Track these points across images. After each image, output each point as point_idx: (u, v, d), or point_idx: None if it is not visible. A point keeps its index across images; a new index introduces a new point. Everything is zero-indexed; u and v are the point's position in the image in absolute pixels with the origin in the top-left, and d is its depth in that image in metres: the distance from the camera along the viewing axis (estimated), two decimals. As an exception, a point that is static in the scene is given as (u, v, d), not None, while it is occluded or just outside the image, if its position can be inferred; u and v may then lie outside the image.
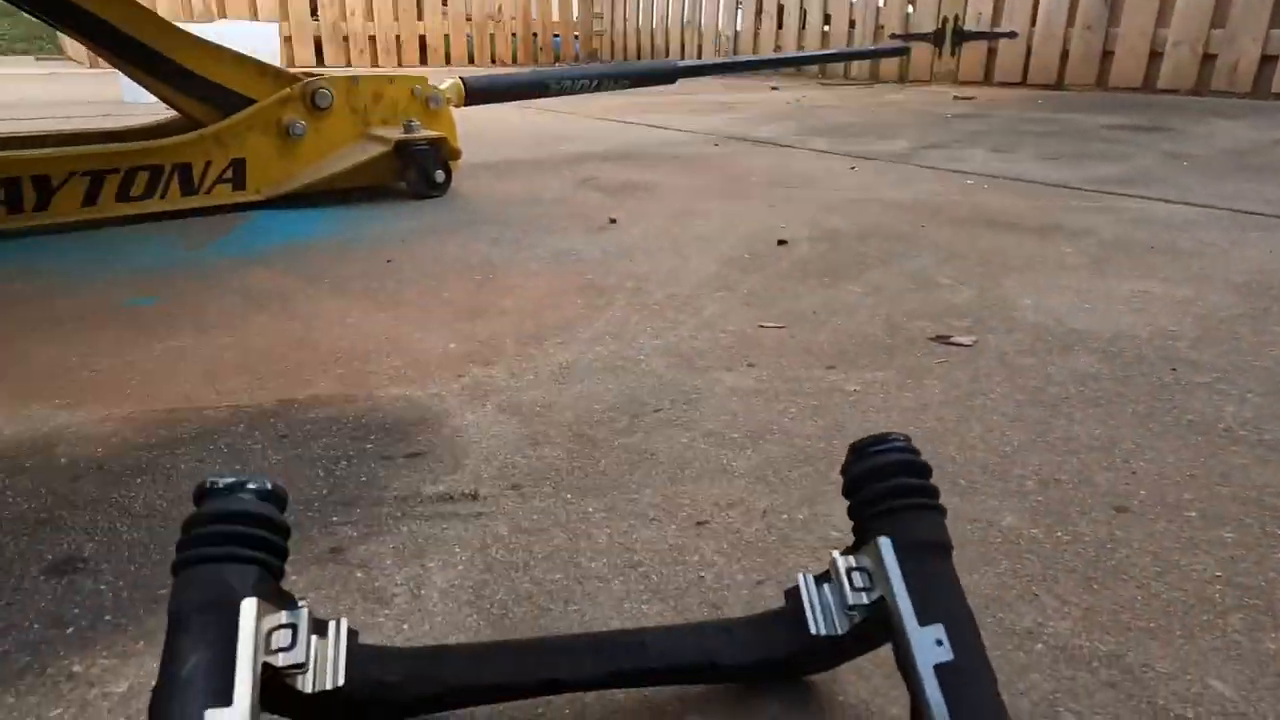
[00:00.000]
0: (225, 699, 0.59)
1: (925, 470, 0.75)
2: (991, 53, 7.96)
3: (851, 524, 0.78)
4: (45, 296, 2.19)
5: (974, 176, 3.70)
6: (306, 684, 0.68)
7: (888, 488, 0.73)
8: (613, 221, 2.95)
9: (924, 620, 0.67)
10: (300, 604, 0.68)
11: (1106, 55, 7.25)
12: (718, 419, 1.48)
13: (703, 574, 1.07)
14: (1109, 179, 3.60)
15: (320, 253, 2.60)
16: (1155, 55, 6.95)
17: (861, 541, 0.74)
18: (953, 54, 8.18)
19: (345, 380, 1.67)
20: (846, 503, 0.80)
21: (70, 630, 0.98)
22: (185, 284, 2.29)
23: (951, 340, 1.83)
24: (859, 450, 0.77)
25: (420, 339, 1.88)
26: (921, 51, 8.30)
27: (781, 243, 2.64)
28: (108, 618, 1.00)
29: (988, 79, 8.04)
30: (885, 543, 0.71)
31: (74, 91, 7.76)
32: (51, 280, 2.33)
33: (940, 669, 0.64)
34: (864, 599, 0.72)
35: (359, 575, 1.07)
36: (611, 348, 1.82)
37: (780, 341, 1.84)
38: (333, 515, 1.21)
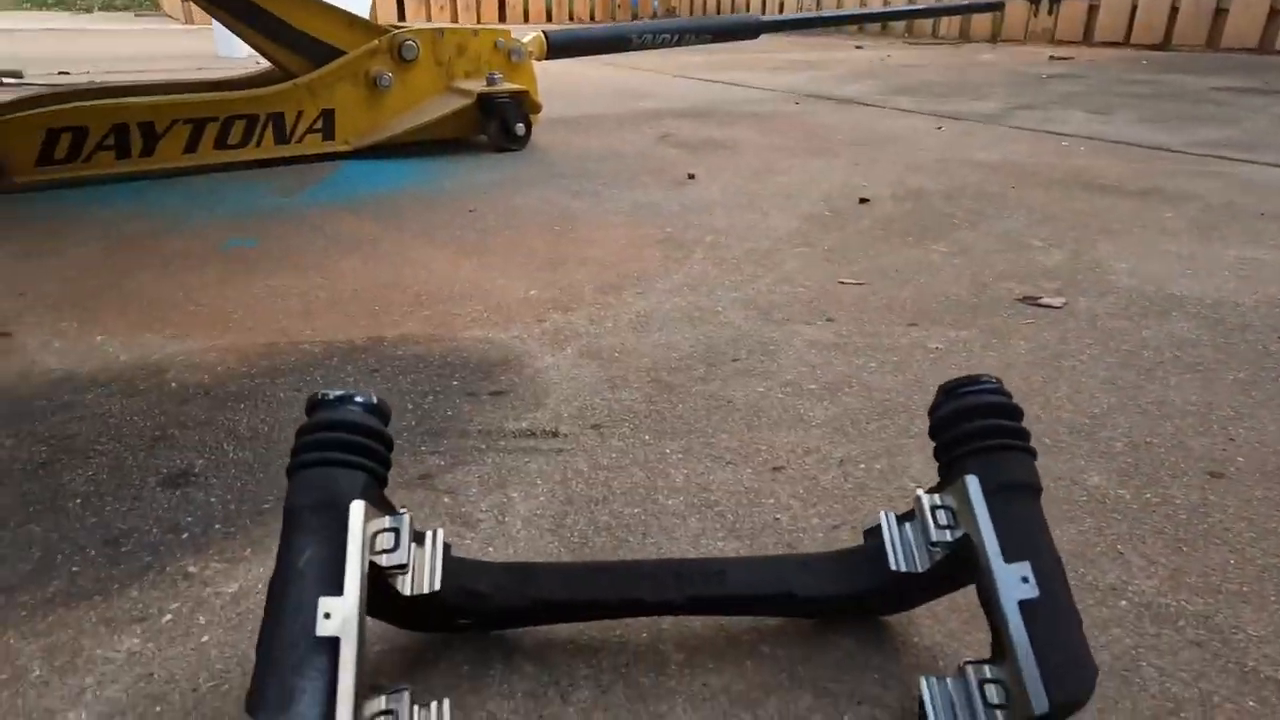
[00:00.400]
0: (337, 589, 0.63)
1: (1017, 413, 0.75)
2: (1092, 10, 7.54)
3: (937, 465, 0.77)
4: (154, 237, 2.31)
5: (1070, 138, 3.54)
6: (406, 586, 0.72)
7: (977, 428, 0.73)
8: (691, 177, 2.94)
9: (1009, 558, 0.66)
10: (402, 511, 0.72)
11: (1220, 13, 6.79)
12: (795, 370, 1.48)
13: (778, 516, 1.08)
14: (1217, 143, 3.40)
15: (406, 202, 2.66)
16: (1275, 13, 6.47)
17: (947, 480, 0.74)
18: (1050, 11, 7.78)
19: (431, 321, 1.72)
20: (932, 445, 0.79)
21: (185, 536, 1.06)
22: (280, 228, 2.39)
23: (1040, 301, 1.78)
24: (949, 390, 0.77)
25: (503, 285, 1.92)
26: (1016, 9, 7.91)
27: (863, 201, 2.59)
28: (218, 526, 1.07)
29: (1087, 38, 7.63)
30: (972, 481, 0.71)
31: (170, 46, 8.06)
32: (159, 222, 2.45)
33: (1025, 605, 0.64)
34: (947, 536, 0.72)
35: (446, 500, 1.12)
36: (689, 299, 1.82)
37: (860, 298, 1.82)
38: (421, 445, 1.26)
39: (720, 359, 1.53)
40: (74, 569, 1.00)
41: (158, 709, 0.80)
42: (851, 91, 5.04)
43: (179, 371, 1.51)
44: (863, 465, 1.19)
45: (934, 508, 0.73)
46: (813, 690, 0.81)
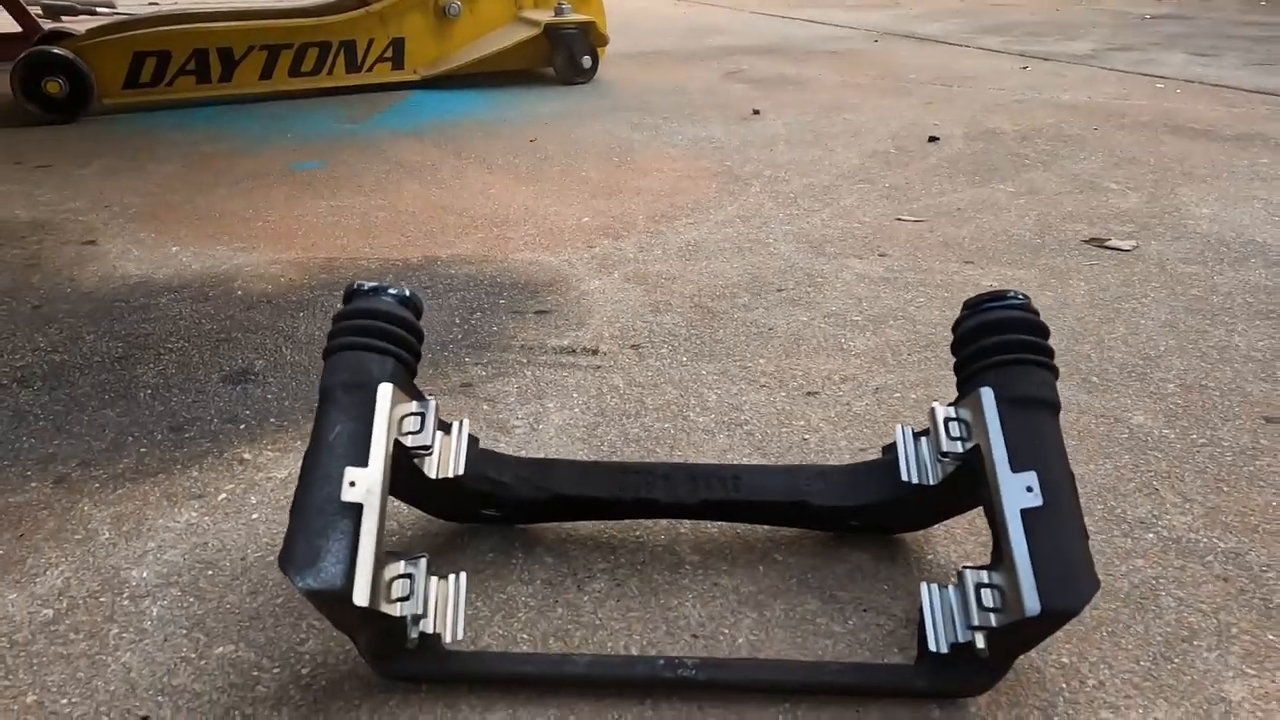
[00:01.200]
0: (362, 461, 0.68)
1: (1041, 329, 0.73)
2: (1210, -55, 6.96)
3: (957, 380, 0.77)
4: (228, 158, 2.40)
5: (1166, 81, 3.33)
6: (431, 468, 0.76)
7: (997, 342, 0.72)
8: (756, 113, 2.88)
9: (1016, 467, 0.66)
10: (429, 398, 0.76)
11: (1356, -52, 6.19)
12: (841, 302, 1.47)
13: (807, 438, 1.09)
14: (1332, 88, 3.15)
15: (468, 130, 2.69)
16: None
17: (964, 394, 0.74)
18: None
19: (484, 243, 1.76)
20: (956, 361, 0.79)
21: (242, 426, 1.13)
22: (346, 152, 2.45)
23: (1108, 244, 1.71)
24: (973, 305, 0.76)
25: (556, 211, 1.94)
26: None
27: (933, 139, 2.50)
28: (272, 420, 1.14)
29: (1201, -24, 7.07)
30: (987, 393, 0.70)
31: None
32: (233, 144, 2.54)
33: (1027, 514, 0.64)
34: (958, 447, 0.72)
35: (485, 407, 1.16)
36: (741, 230, 1.81)
37: (917, 235, 1.78)
38: (465, 356, 1.30)
39: (766, 288, 1.53)
40: (142, 450, 1.08)
41: (210, 573, 0.87)
42: (934, 30, 4.83)
43: (245, 281, 1.58)
44: (898, 394, 1.19)
45: (948, 420, 0.73)
46: (820, 596, 0.83)
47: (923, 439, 0.78)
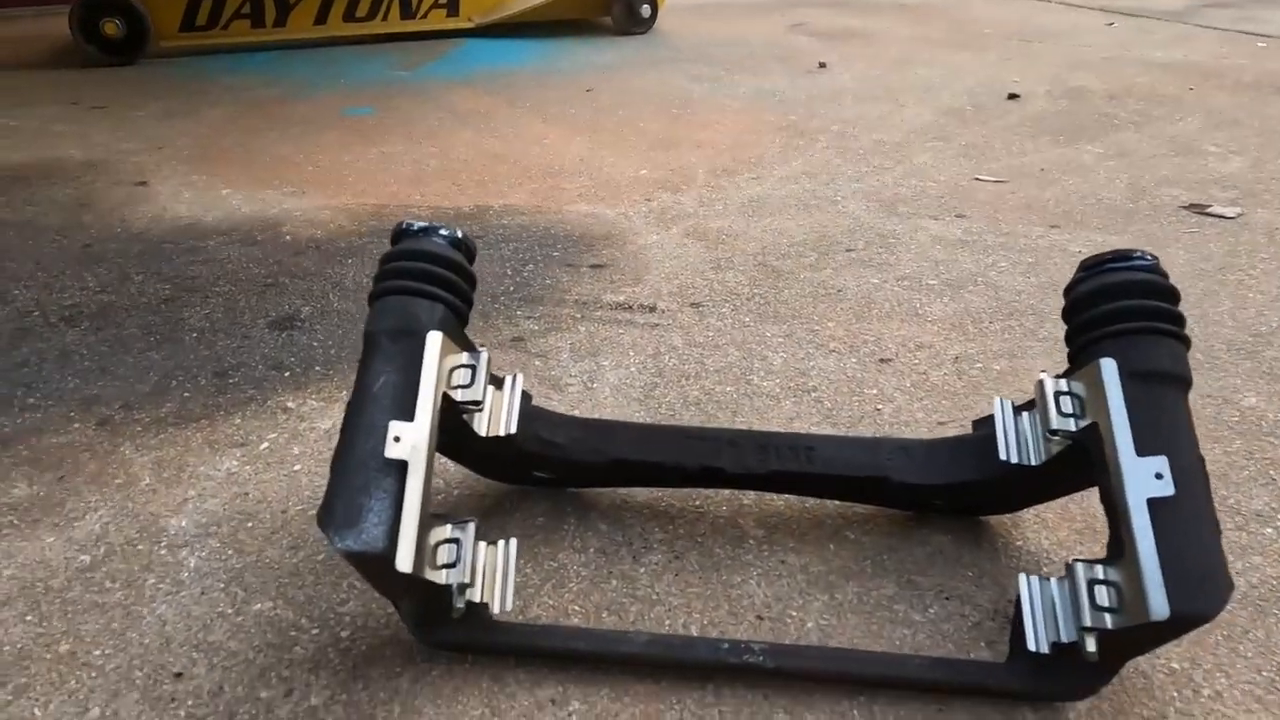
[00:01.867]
0: (408, 415, 0.62)
1: (1172, 295, 0.64)
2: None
3: (1069, 350, 0.68)
4: (280, 103, 2.36)
5: (1271, 39, 3.09)
6: (481, 425, 0.70)
7: (1121, 308, 0.63)
8: (822, 66, 2.75)
9: (1143, 450, 0.58)
10: (481, 349, 0.70)
11: None
12: (915, 264, 1.37)
13: (880, 407, 1.01)
14: None
15: (523, 79, 2.61)
16: None
17: (1078, 365, 0.65)
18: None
19: (538, 194, 1.69)
20: (1065, 329, 0.70)
21: (287, 374, 1.09)
22: (399, 99, 2.39)
23: (1209, 210, 1.57)
24: (1091, 266, 0.67)
25: (613, 163, 1.86)
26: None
27: (1012, 97, 2.35)
28: (317, 368, 1.10)
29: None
30: (1108, 364, 0.62)
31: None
32: (286, 89, 2.50)
33: (1155, 504, 0.56)
34: (1071, 425, 0.63)
35: (538, 363, 1.11)
36: (807, 186, 1.71)
37: (997, 196, 1.66)
38: (517, 310, 1.24)
39: (834, 248, 1.44)
40: (185, 394, 1.04)
41: (249, 524, 0.83)
42: (1012, -16, 4.56)
43: (294, 226, 1.54)
44: (980, 365, 1.10)
45: (1058, 393, 0.65)
46: (897, 580, 0.76)
47: (1024, 414, 0.70)
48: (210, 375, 1.08)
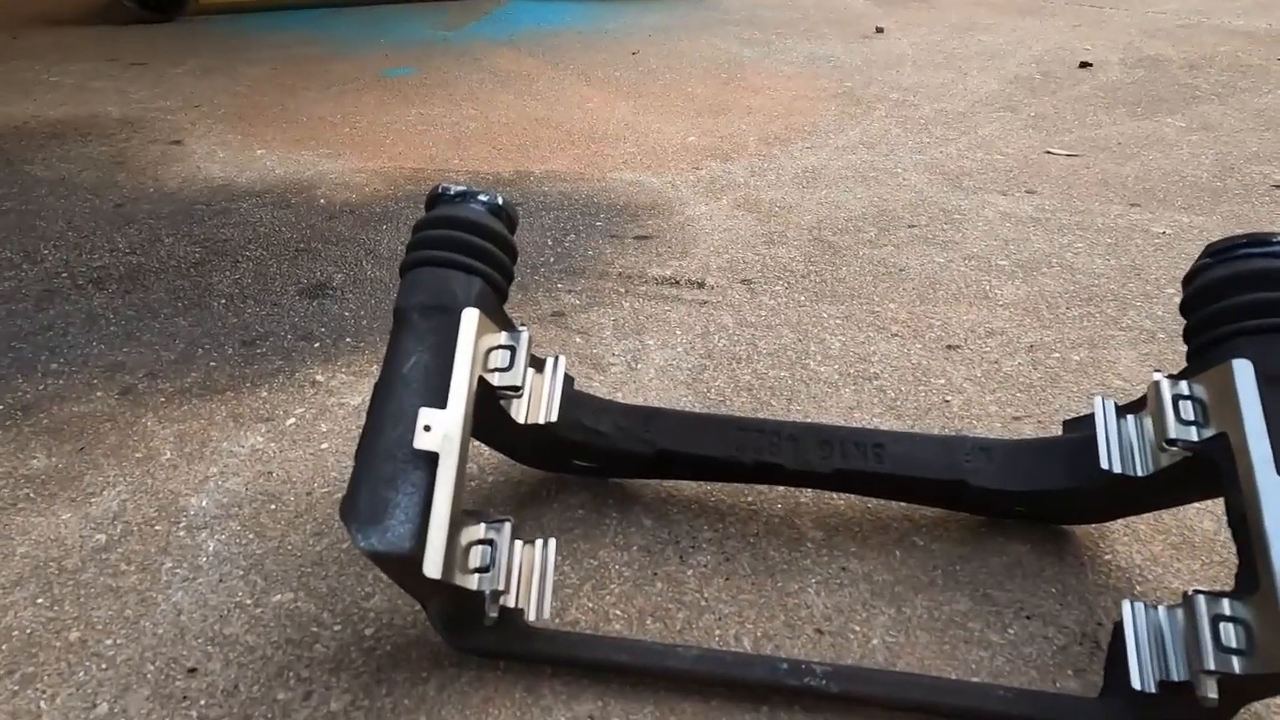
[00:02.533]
0: (440, 401, 0.56)
1: (1318, 287, 0.55)
2: None
3: (1188, 348, 0.60)
4: (319, 62, 2.30)
5: (1361, 7, 2.88)
6: (520, 412, 0.64)
7: (1258, 300, 0.55)
8: (880, 31, 2.62)
9: (1286, 469, 0.50)
10: (521, 328, 0.63)
11: None
12: (984, 243, 1.28)
13: (948, 399, 0.93)
14: None
15: (567, 40, 2.52)
16: None
17: (1201, 365, 0.57)
18: None
19: (580, 160, 1.61)
20: (1184, 323, 0.62)
21: (316, 345, 1.04)
22: (440, 59, 2.32)
23: (1306, 191, 1.45)
24: (1219, 250, 0.58)
25: (659, 129, 1.78)
26: None
27: (1084, 65, 2.21)
28: (348, 339, 1.05)
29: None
30: (1242, 366, 0.53)
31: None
32: (326, 48, 2.45)
33: (1299, 532, 0.48)
34: (1192, 435, 0.55)
35: (578, 340, 1.04)
36: (865, 157, 1.62)
37: (1071, 170, 1.55)
38: (558, 282, 1.18)
39: (895, 223, 1.35)
40: (211, 364, 1.00)
41: (272, 507, 0.78)
42: (1080, -53, 4.34)
43: (328, 189, 1.49)
44: (1057, 354, 1.01)
45: (1178, 397, 0.56)
46: (971, 594, 0.69)
47: (1129, 417, 0.62)
48: (237, 344, 1.04)
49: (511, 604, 0.58)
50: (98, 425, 0.89)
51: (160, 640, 0.65)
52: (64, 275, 1.21)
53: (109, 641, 0.65)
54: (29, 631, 0.66)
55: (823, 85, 2.07)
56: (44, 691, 0.61)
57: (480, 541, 0.57)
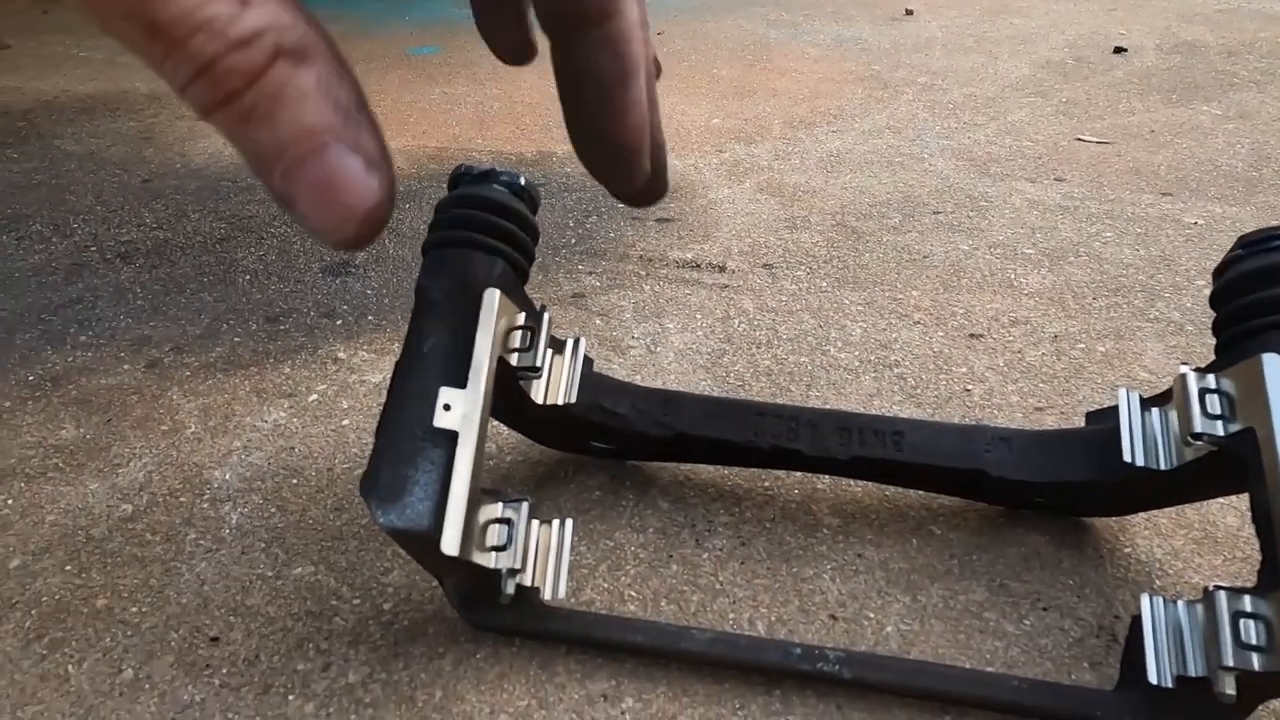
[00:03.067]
0: (460, 380, 0.57)
1: (1354, 282, 0.54)
2: None
3: (1216, 341, 0.59)
4: (343, 39, 2.30)
5: None
6: (539, 392, 0.64)
7: (1291, 294, 0.54)
8: (909, 13, 2.58)
9: (1315, 467, 0.49)
10: (542, 310, 0.63)
11: None
12: (1010, 231, 1.26)
13: (969, 388, 0.92)
14: None
15: (592, 21, 2.51)
16: None
17: (1230, 359, 0.56)
18: None
19: (603, 141, 1.61)
20: (1213, 314, 0.61)
21: (339, 322, 1.05)
22: (465, 38, 2.31)
23: (1345, 182, 1.41)
24: (1252, 242, 0.57)
25: (683, 111, 1.77)
26: None
27: (1118, 50, 2.17)
28: (370, 317, 1.06)
29: None
30: (1272, 361, 0.52)
31: None
32: (349, 25, 2.45)
33: (1325, 530, 0.48)
34: (1218, 429, 0.54)
35: (598, 322, 1.04)
36: (891, 142, 1.60)
37: (1101, 158, 1.53)
38: (579, 264, 1.18)
39: (920, 209, 1.33)
40: (236, 339, 1.01)
41: (294, 481, 0.79)
42: (1118, -72, 4.24)
43: (352, 167, 1.50)
44: (1082, 345, 1.00)
45: (1204, 391, 0.56)
46: (987, 584, 0.69)
47: (1154, 410, 0.61)
48: (261, 320, 1.05)
49: (528, 582, 0.58)
50: (125, 398, 0.91)
51: (184, 609, 0.66)
52: (93, 249, 1.22)
53: (134, 609, 0.66)
54: (58, 597, 0.67)
55: (850, 68, 2.05)
56: (72, 656, 0.63)
57: (498, 520, 0.57)
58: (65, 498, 0.77)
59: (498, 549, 0.57)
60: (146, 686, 0.60)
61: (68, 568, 0.70)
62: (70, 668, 0.62)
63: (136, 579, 0.69)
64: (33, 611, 0.66)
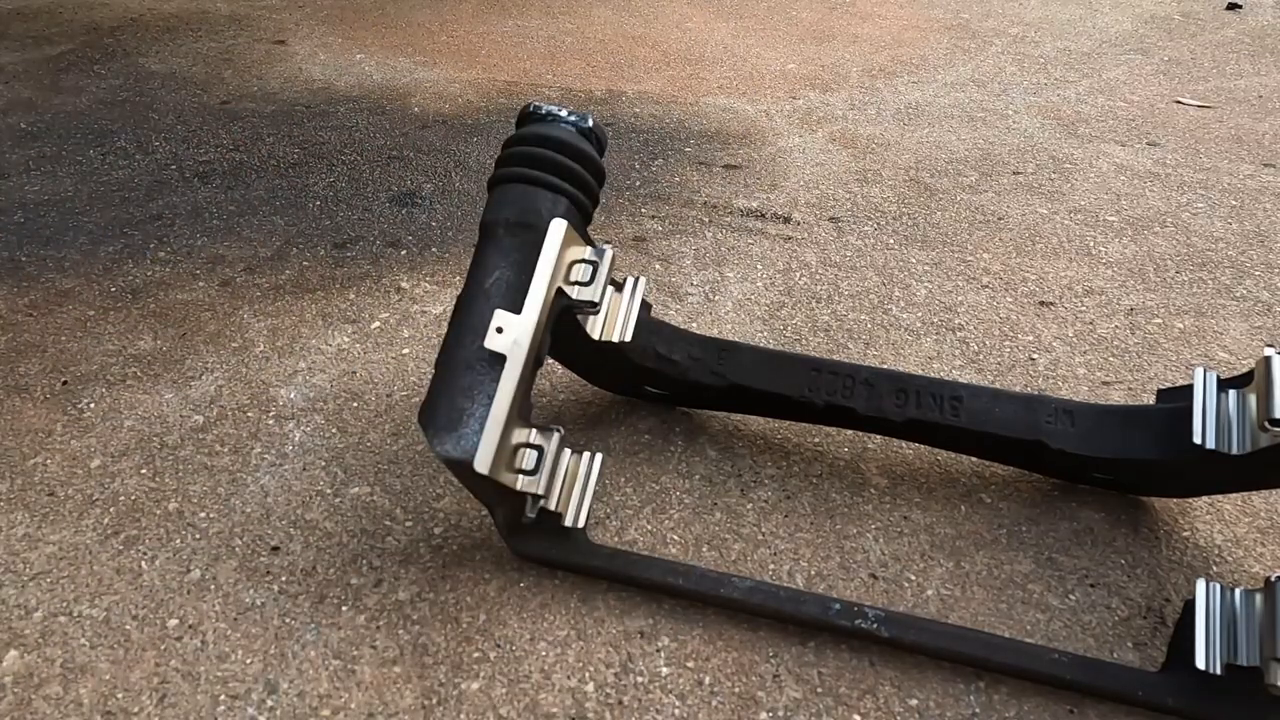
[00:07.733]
0: (516, 308, 0.57)
1: None
2: None
3: (1305, 322, 0.56)
4: (420, -34, 2.29)
5: None
6: (595, 328, 0.65)
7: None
8: (1005, -42, 2.44)
9: (1400, 462, 0.47)
10: (605, 246, 0.63)
11: None
12: (1093, 195, 1.21)
13: (1035, 357, 0.90)
14: None
15: (670, -45, 2.44)
16: None
17: (1320, 344, 0.53)
18: None
19: (674, 82, 1.58)
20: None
21: (403, 252, 1.06)
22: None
23: None
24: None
25: (758, 54, 1.72)
26: None
27: (1232, 7, 2.02)
28: (434, 249, 1.07)
29: None
30: (1367, 351, 0.50)
31: None
32: (427, -48, 2.43)
33: (1404, 530, 0.46)
34: (1299, 417, 0.52)
35: (658, 267, 1.04)
36: (974, 95, 1.53)
37: (1201, 123, 1.44)
38: (642, 207, 1.17)
39: (999, 169, 1.28)
40: (304, 263, 1.04)
41: (354, 405, 0.82)
42: None
43: (422, 98, 1.50)
44: (1159, 320, 0.96)
45: (1289, 376, 0.53)
46: (1035, 557, 0.68)
47: (1231, 392, 0.59)
48: (329, 246, 1.07)
49: (552, 507, 0.60)
50: (199, 313, 0.94)
51: (248, 518, 0.70)
52: (173, 167, 1.26)
53: (203, 515, 0.70)
54: (133, 498, 0.71)
55: (937, 15, 1.96)
56: (145, 553, 0.67)
57: (529, 445, 0.58)
58: (142, 405, 0.81)
59: (524, 472, 0.58)
60: (212, 587, 0.64)
61: (143, 471, 0.74)
62: (144, 563, 0.66)
63: (205, 486, 0.73)
64: (111, 509, 0.70)
